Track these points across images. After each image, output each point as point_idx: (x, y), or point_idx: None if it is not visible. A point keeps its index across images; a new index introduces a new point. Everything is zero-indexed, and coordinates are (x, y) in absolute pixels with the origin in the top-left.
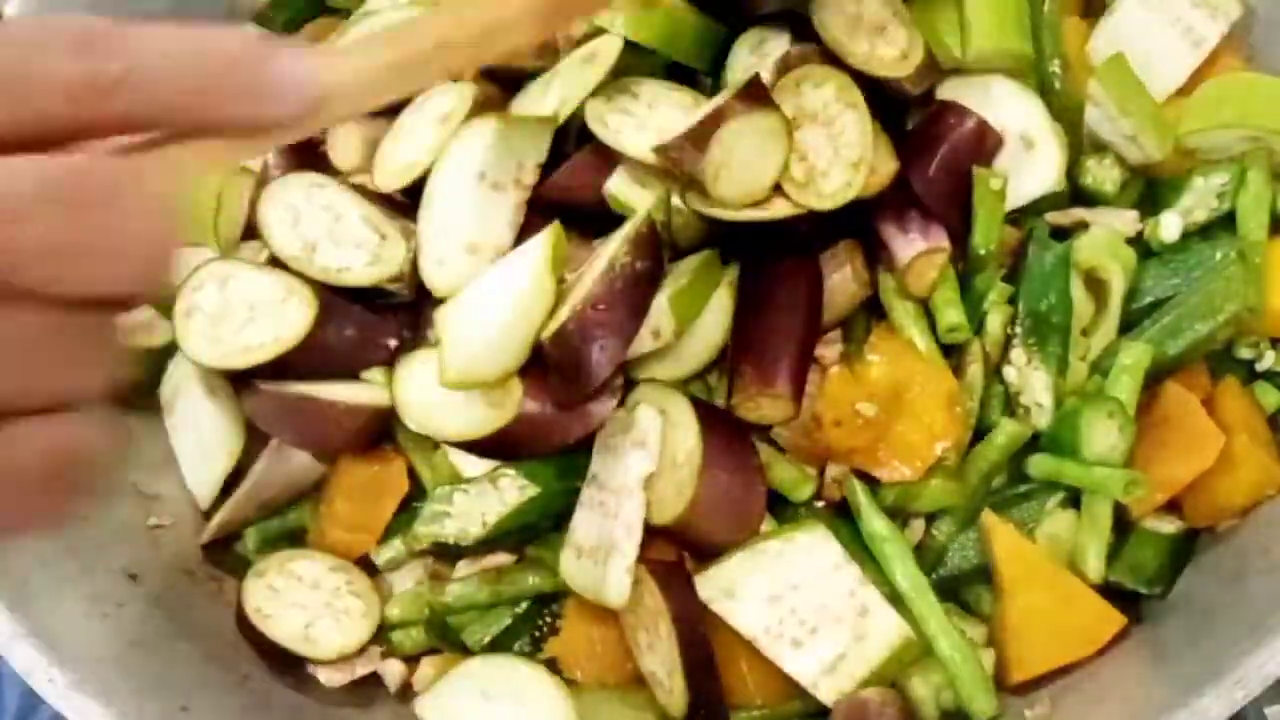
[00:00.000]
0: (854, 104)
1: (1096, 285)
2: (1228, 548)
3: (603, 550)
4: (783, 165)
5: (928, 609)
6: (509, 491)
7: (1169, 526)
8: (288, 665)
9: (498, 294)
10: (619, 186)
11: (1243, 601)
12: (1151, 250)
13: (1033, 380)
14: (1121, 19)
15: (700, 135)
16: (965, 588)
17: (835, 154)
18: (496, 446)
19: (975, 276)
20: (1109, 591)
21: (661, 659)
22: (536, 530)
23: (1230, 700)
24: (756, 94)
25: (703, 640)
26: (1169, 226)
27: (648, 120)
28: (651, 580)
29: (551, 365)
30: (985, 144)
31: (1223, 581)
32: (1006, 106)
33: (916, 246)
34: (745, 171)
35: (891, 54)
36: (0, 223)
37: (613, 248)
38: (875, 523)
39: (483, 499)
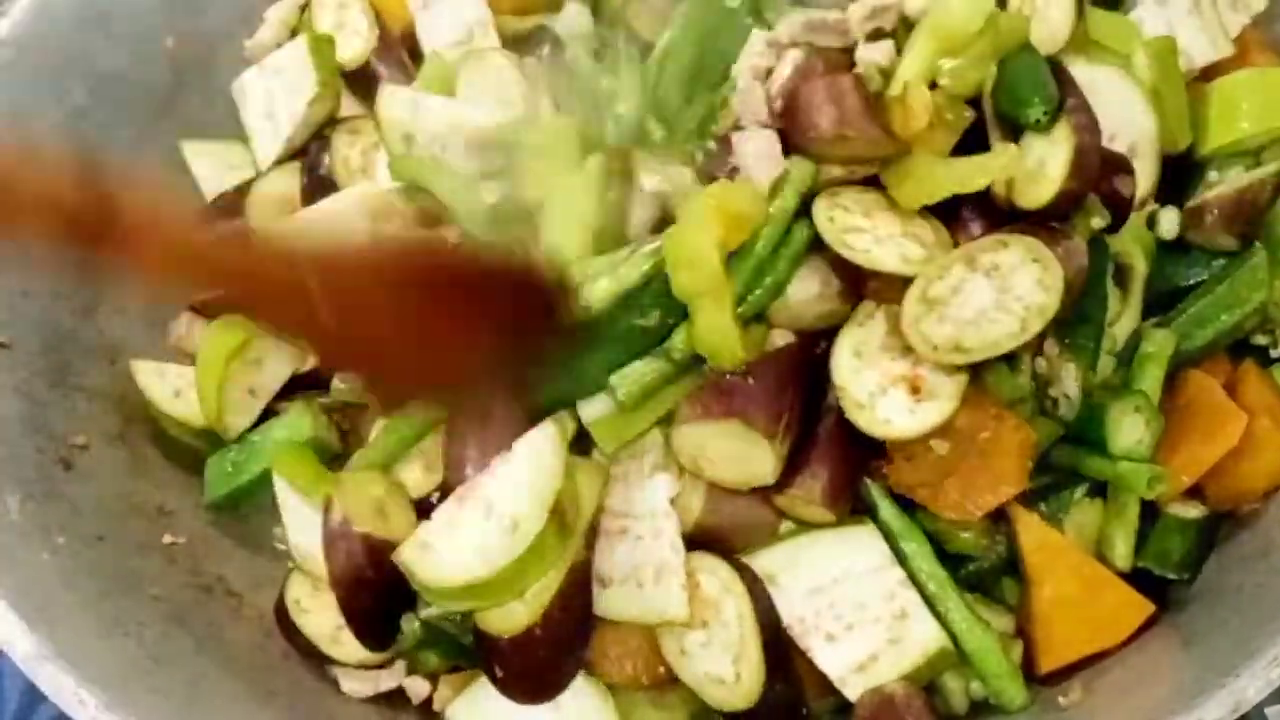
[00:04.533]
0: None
1: (1120, 274)
2: (1250, 531)
3: (647, 572)
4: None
5: (952, 605)
6: None
7: (1194, 511)
8: (312, 662)
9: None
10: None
11: (1269, 582)
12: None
13: (1062, 372)
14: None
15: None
16: (993, 580)
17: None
18: None
19: None
20: (1135, 578)
21: (726, 645)
22: None
23: (1267, 679)
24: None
25: (775, 614)
26: (1167, 223)
27: (876, 229)
28: (710, 569)
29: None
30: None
31: (1247, 563)
32: (1126, 116)
33: None
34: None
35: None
36: None
37: None
38: (894, 521)
39: None
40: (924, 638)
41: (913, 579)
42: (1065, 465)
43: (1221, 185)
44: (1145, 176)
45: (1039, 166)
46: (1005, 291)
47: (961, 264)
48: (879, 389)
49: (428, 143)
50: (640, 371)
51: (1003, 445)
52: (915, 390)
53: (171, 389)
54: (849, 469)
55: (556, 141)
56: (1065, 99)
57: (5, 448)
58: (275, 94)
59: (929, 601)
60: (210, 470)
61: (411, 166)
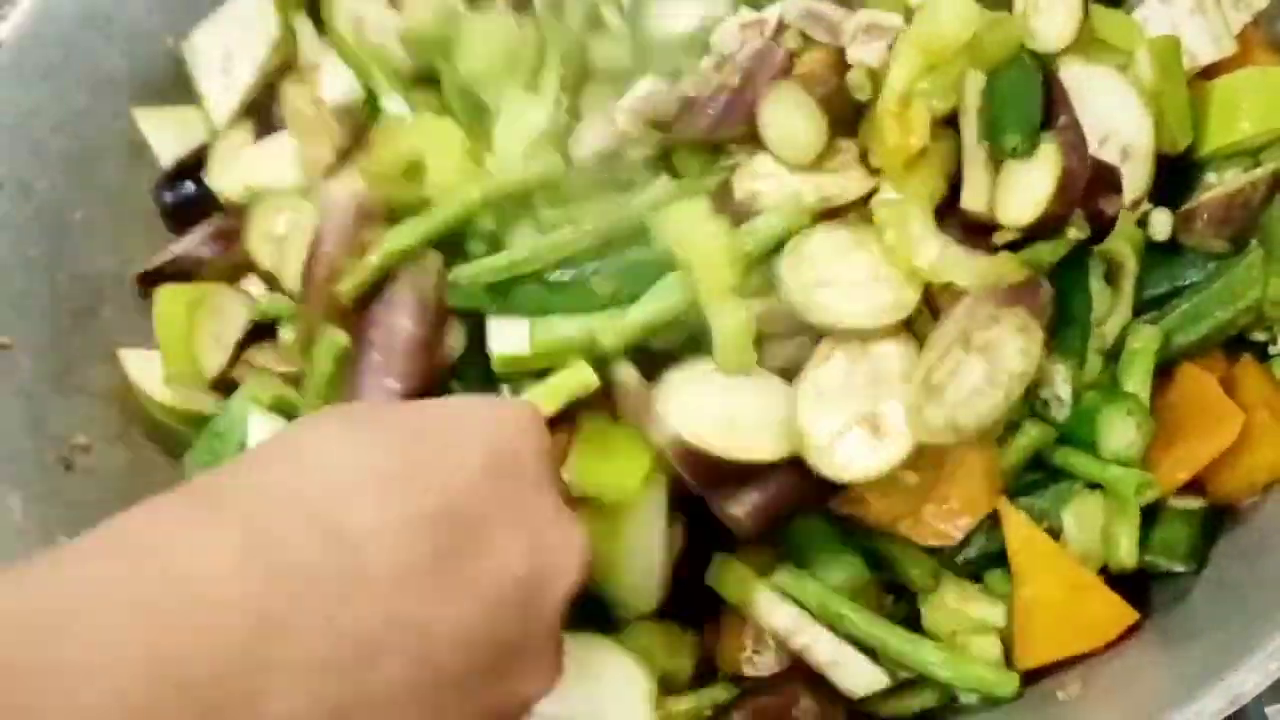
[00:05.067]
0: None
1: (1110, 271)
2: (1248, 525)
3: None
4: None
5: (895, 641)
6: None
7: (1194, 504)
8: None
9: None
10: None
11: (1268, 578)
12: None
13: (1052, 373)
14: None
15: None
16: (986, 571)
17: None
18: None
19: None
20: (1125, 577)
21: None
22: None
23: (1265, 672)
24: None
25: None
26: (1158, 225)
27: (850, 273)
28: None
29: None
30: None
31: (1246, 558)
32: (1121, 118)
33: None
34: None
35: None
36: None
37: None
38: (792, 587)
39: None
40: None
41: (844, 633)
42: (1056, 465)
43: (1216, 188)
44: (1139, 179)
45: (1022, 186)
46: (995, 364)
47: (959, 346)
48: (838, 432)
49: (379, 34)
50: (561, 331)
51: (970, 469)
52: (875, 429)
53: (160, 376)
54: (782, 505)
55: (509, 46)
56: (1057, 116)
57: (6, 448)
58: (232, 48)
59: (868, 649)
60: (192, 464)
61: (359, 56)
